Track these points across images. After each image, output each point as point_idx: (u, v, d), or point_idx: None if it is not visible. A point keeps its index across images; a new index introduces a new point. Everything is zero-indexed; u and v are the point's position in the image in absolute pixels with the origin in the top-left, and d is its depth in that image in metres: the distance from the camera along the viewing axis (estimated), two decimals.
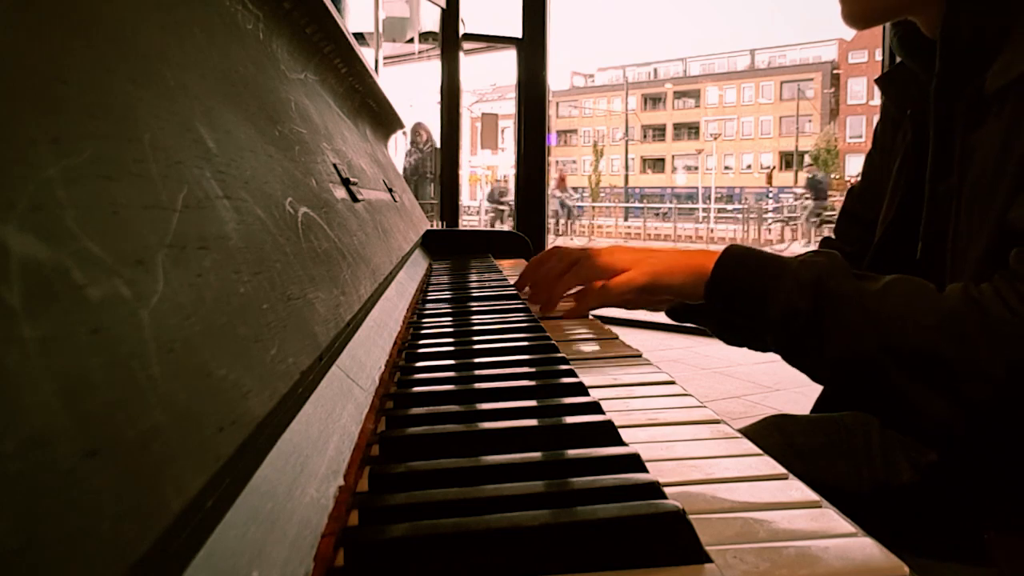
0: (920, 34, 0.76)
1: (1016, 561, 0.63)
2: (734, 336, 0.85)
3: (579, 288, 0.83)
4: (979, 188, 0.65)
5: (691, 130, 47.44)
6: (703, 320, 0.87)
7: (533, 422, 0.42)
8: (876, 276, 0.63)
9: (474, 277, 1.18)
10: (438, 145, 4.13)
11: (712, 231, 22.19)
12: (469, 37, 4.26)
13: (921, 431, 0.69)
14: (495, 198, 14.35)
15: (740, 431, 0.44)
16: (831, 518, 0.32)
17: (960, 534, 0.68)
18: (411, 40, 5.78)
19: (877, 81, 0.86)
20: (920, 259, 0.75)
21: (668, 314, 0.91)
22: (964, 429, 0.58)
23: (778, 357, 0.67)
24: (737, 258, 0.69)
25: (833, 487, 0.79)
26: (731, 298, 0.68)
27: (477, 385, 0.51)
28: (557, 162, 47.88)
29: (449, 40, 4.09)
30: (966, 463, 0.70)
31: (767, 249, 0.71)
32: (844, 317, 0.61)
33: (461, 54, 4.12)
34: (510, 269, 1.32)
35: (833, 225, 1.01)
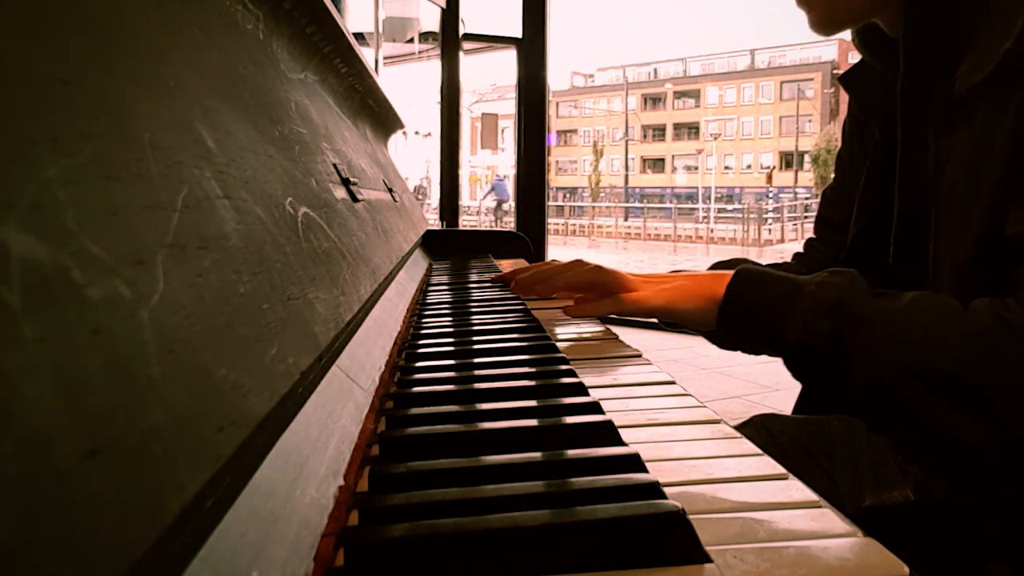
0: (882, 33, 0.74)
1: None
2: (727, 343, 0.84)
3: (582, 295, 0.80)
4: (955, 195, 0.63)
5: (691, 130, 47.40)
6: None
7: (533, 422, 0.42)
8: (897, 294, 0.60)
9: (474, 277, 1.18)
10: (438, 144, 4.13)
11: (712, 231, 22.21)
12: (469, 37, 4.25)
13: (951, 456, 0.66)
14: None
15: None
16: (831, 518, 0.32)
17: (947, 551, 0.66)
18: (411, 40, 5.79)
19: (840, 79, 0.83)
20: (892, 262, 0.73)
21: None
22: (998, 455, 0.55)
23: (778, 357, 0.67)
24: (749, 281, 0.66)
25: (818, 490, 0.78)
26: (745, 323, 0.66)
27: (477, 385, 0.51)
28: (556, 161, 47.93)
29: (449, 40, 4.08)
30: (955, 479, 0.68)
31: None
32: (868, 340, 0.58)
33: (461, 54, 4.12)
34: (510, 269, 1.32)
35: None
